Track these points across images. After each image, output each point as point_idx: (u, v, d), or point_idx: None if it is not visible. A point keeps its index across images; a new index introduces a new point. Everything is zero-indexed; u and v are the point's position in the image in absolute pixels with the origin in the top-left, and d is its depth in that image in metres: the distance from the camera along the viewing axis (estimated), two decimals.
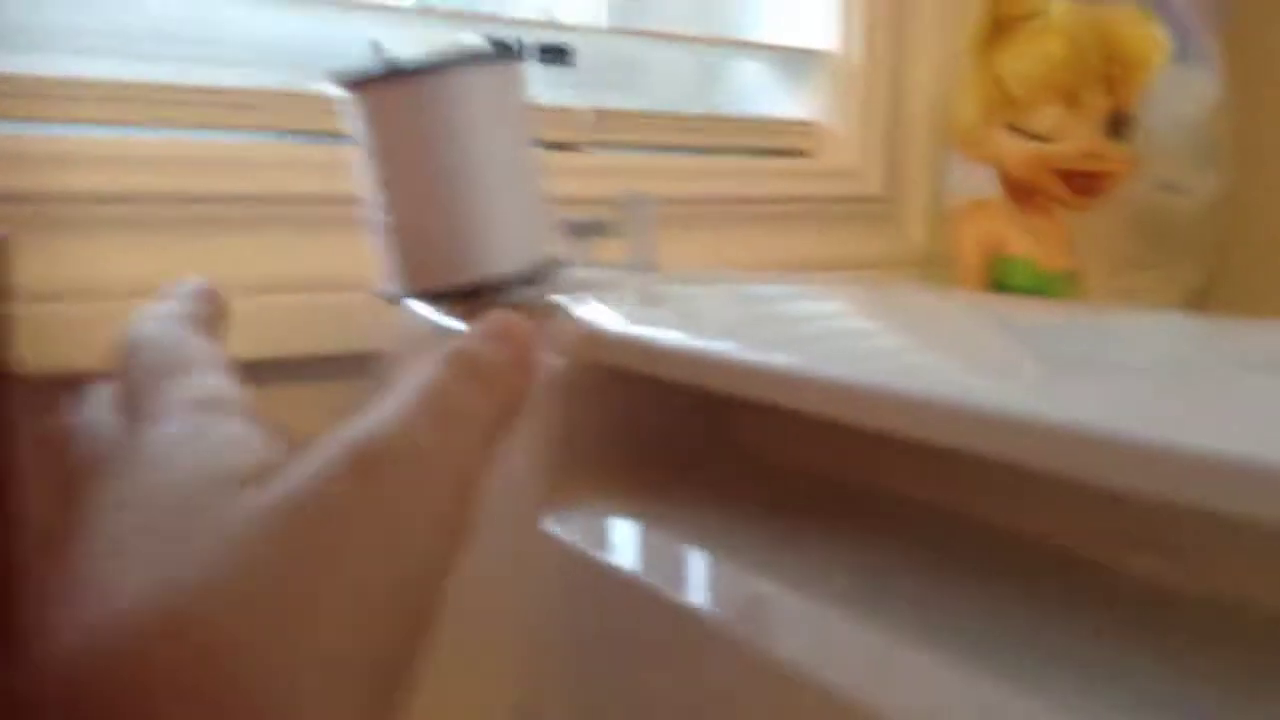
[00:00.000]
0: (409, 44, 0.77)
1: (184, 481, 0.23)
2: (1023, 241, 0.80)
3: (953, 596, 0.27)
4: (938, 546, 0.31)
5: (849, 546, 0.31)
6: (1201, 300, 0.82)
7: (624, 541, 0.33)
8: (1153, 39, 0.80)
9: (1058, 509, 0.30)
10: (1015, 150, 0.80)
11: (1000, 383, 0.27)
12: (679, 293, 0.42)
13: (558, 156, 0.71)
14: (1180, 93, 0.80)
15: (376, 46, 0.38)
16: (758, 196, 0.78)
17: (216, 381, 0.26)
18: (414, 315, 0.42)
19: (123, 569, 0.21)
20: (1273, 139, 0.90)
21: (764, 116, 0.85)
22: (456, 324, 0.39)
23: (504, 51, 0.38)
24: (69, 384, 0.32)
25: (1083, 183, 0.79)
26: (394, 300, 0.39)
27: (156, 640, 0.20)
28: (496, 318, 0.28)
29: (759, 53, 0.86)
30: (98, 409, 0.29)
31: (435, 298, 0.39)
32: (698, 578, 0.30)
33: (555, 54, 0.82)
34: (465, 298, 0.38)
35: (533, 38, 0.76)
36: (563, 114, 0.72)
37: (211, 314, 0.30)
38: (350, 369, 0.56)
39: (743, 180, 0.78)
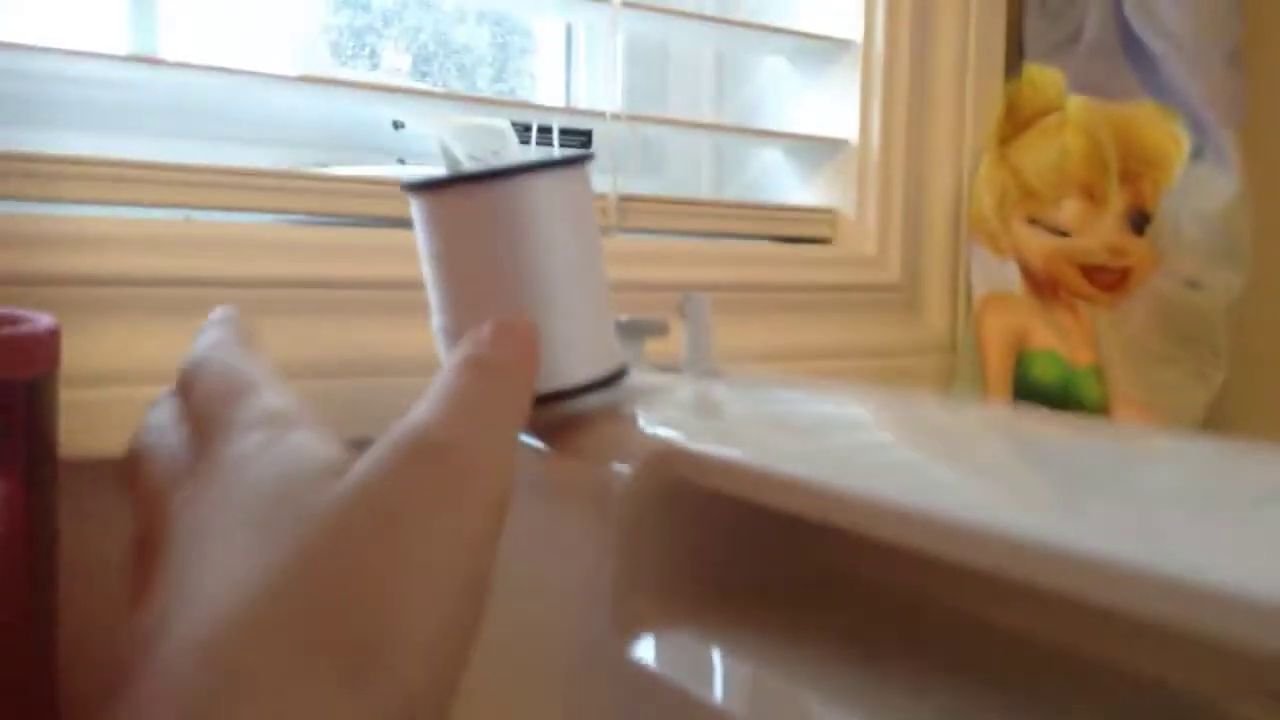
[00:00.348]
0: (428, 125, 0.77)
1: (268, 483, 0.27)
2: (1047, 335, 0.79)
3: None
4: (1029, 679, 0.29)
5: (928, 675, 0.30)
6: (1223, 396, 0.81)
7: (704, 668, 0.31)
8: (1172, 136, 0.80)
9: (1161, 649, 0.28)
10: (1036, 243, 0.80)
11: (1077, 520, 0.26)
12: (744, 399, 0.41)
13: None
14: (1200, 190, 0.80)
15: (446, 148, 0.37)
16: (777, 283, 0.77)
17: (278, 398, 0.31)
18: None
19: (231, 555, 0.26)
20: None
21: (785, 203, 0.85)
22: (530, 440, 0.38)
23: (576, 156, 0.37)
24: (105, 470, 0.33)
25: (1105, 278, 0.79)
26: None
27: (265, 606, 0.24)
28: (495, 322, 0.32)
29: (778, 140, 0.86)
30: (163, 429, 0.32)
31: None
32: (778, 708, 0.29)
33: (575, 138, 0.82)
34: (537, 408, 0.36)
35: (554, 122, 0.76)
36: None
37: (250, 332, 0.35)
38: None
39: (763, 266, 0.77)
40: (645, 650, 0.33)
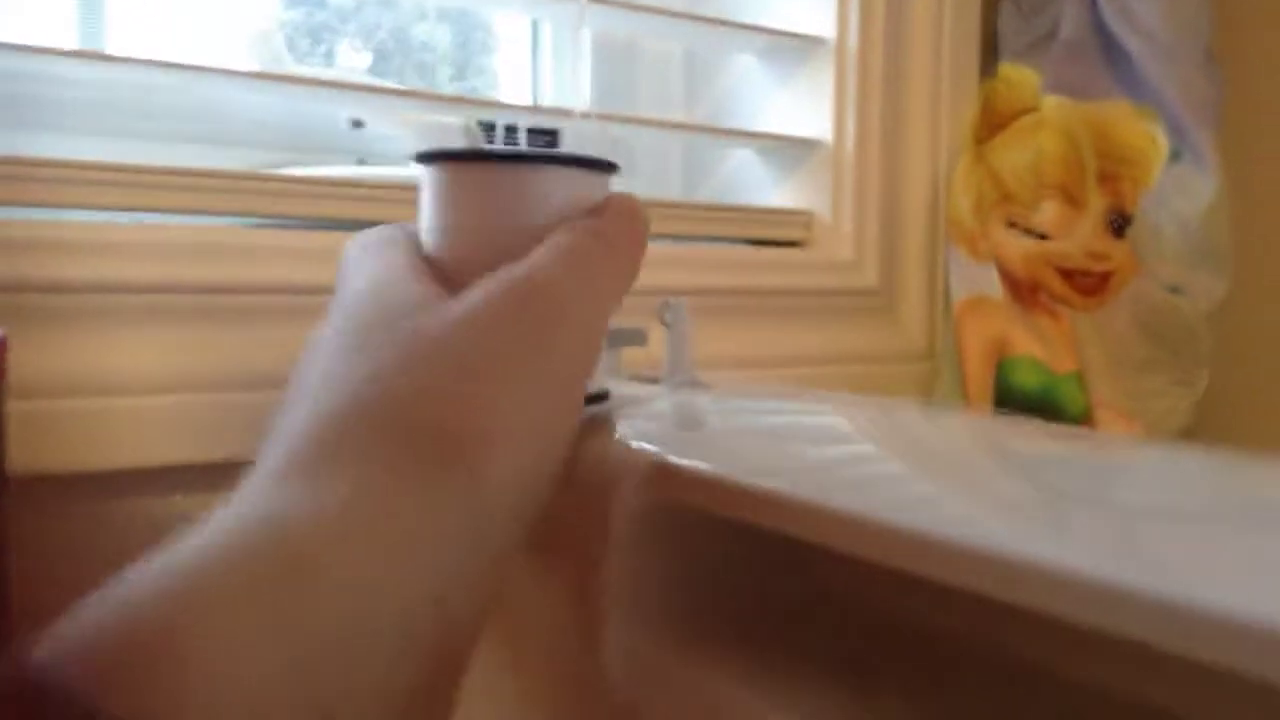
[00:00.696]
0: (393, 126, 0.74)
1: (374, 312, 0.30)
2: (1028, 341, 0.77)
3: None
4: (1026, 704, 0.28)
5: (924, 701, 0.29)
6: (1205, 401, 0.80)
7: (700, 705, 0.29)
8: (1149, 136, 0.79)
9: (1162, 676, 0.27)
10: (1015, 247, 0.78)
11: (1060, 538, 0.26)
12: (727, 412, 0.39)
13: None
14: (1179, 192, 0.79)
15: (469, 128, 0.36)
16: (751, 287, 0.75)
17: (404, 256, 0.33)
18: None
19: (334, 362, 0.28)
20: (1270, 241, 0.89)
21: (758, 205, 0.83)
22: None
23: (609, 162, 0.37)
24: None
25: (1086, 282, 0.77)
26: None
27: (355, 400, 0.27)
28: (620, 199, 0.35)
29: (750, 141, 0.84)
30: None
31: None
32: None
33: (542, 137, 0.79)
34: None
35: (520, 120, 0.74)
36: None
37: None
38: None
39: (736, 270, 0.75)
40: (636, 682, 0.31)
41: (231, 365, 0.52)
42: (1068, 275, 0.77)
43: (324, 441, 0.26)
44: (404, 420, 0.26)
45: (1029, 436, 0.41)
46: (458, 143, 0.36)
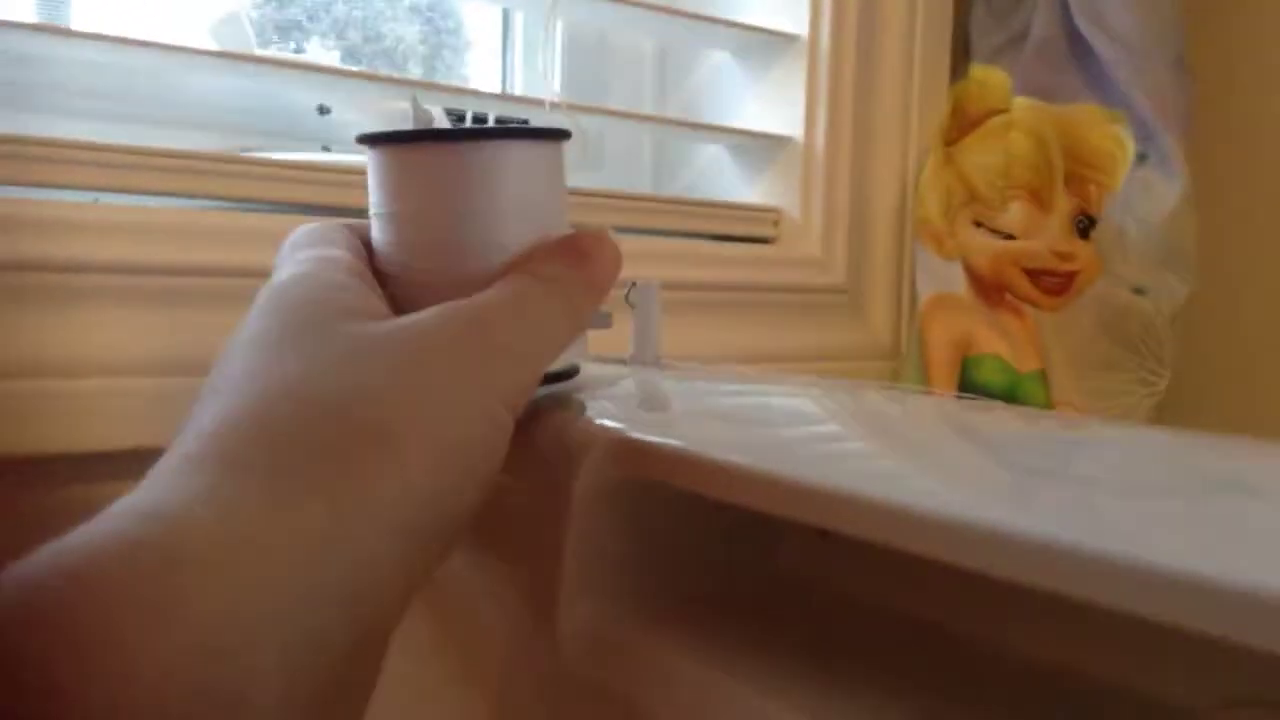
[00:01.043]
0: (359, 113, 0.74)
1: (304, 306, 0.29)
2: (992, 339, 0.78)
3: None
4: (995, 684, 0.28)
5: (888, 680, 0.28)
6: (1164, 405, 0.80)
7: (658, 677, 0.29)
8: (1116, 139, 0.79)
9: (1131, 653, 0.27)
10: (982, 246, 0.79)
11: (1025, 507, 0.26)
12: (692, 392, 0.39)
13: None
14: (1144, 195, 0.79)
15: (417, 103, 0.35)
16: (719, 283, 0.75)
17: (338, 252, 0.32)
18: None
19: (270, 360, 0.27)
20: (1236, 244, 0.90)
21: (728, 201, 0.83)
22: None
23: (557, 130, 0.35)
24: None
25: (1051, 282, 0.78)
26: None
27: (276, 399, 0.26)
28: (578, 238, 0.34)
29: (720, 136, 0.84)
30: None
31: None
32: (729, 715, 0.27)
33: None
34: None
35: (490, 111, 0.73)
36: None
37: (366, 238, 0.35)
38: None
39: (705, 265, 0.75)
40: (590, 654, 0.31)
41: (205, 348, 0.52)
42: (1033, 275, 0.78)
43: (242, 437, 0.25)
44: (327, 423, 0.26)
45: (992, 417, 0.41)
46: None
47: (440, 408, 0.27)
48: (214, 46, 0.67)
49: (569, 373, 0.36)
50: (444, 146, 0.33)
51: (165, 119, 0.67)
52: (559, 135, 0.35)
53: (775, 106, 0.83)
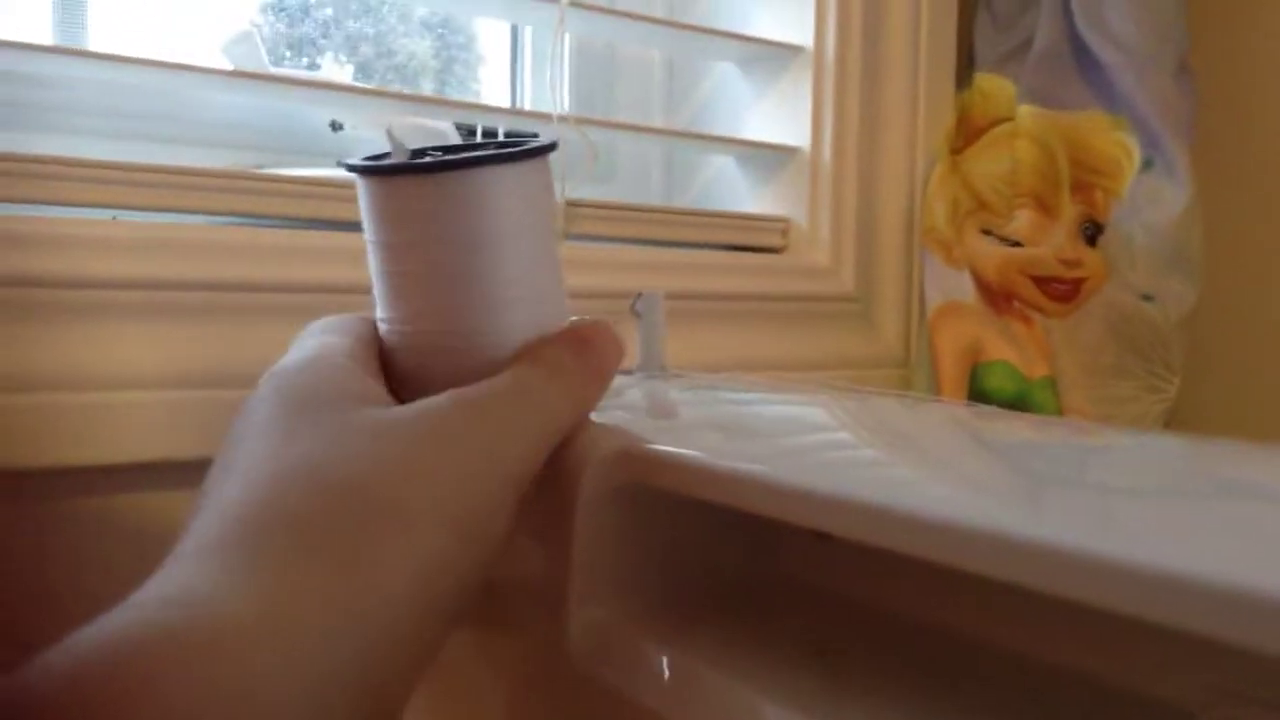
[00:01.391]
0: (369, 126, 0.75)
1: (310, 392, 0.30)
2: (1001, 347, 0.78)
3: None
4: (992, 684, 0.28)
5: (889, 680, 0.29)
6: (1174, 410, 0.80)
7: (663, 680, 0.30)
8: (1122, 146, 0.80)
9: (1127, 653, 0.27)
10: (990, 254, 0.79)
11: (1040, 516, 0.26)
12: (699, 400, 0.40)
13: None
14: (1150, 201, 0.80)
15: (392, 135, 0.34)
16: (729, 292, 0.75)
17: (347, 340, 0.34)
18: None
19: (280, 444, 0.28)
20: (1241, 250, 0.90)
21: (737, 212, 0.83)
22: None
23: (539, 146, 0.35)
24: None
25: (1058, 289, 0.78)
26: None
27: (309, 496, 0.26)
28: (579, 327, 0.34)
29: (729, 147, 0.85)
30: None
31: None
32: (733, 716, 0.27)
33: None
34: None
35: (499, 125, 0.74)
36: None
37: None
38: None
39: (714, 275, 0.75)
40: (603, 663, 0.31)
41: (221, 362, 0.53)
42: (1041, 282, 0.78)
43: (252, 521, 0.26)
44: (340, 505, 0.26)
45: (1005, 425, 0.41)
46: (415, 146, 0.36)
47: (450, 486, 0.28)
48: (227, 65, 0.69)
49: None
50: (429, 179, 0.33)
51: (180, 137, 0.68)
52: (540, 152, 0.35)
53: (782, 117, 0.83)
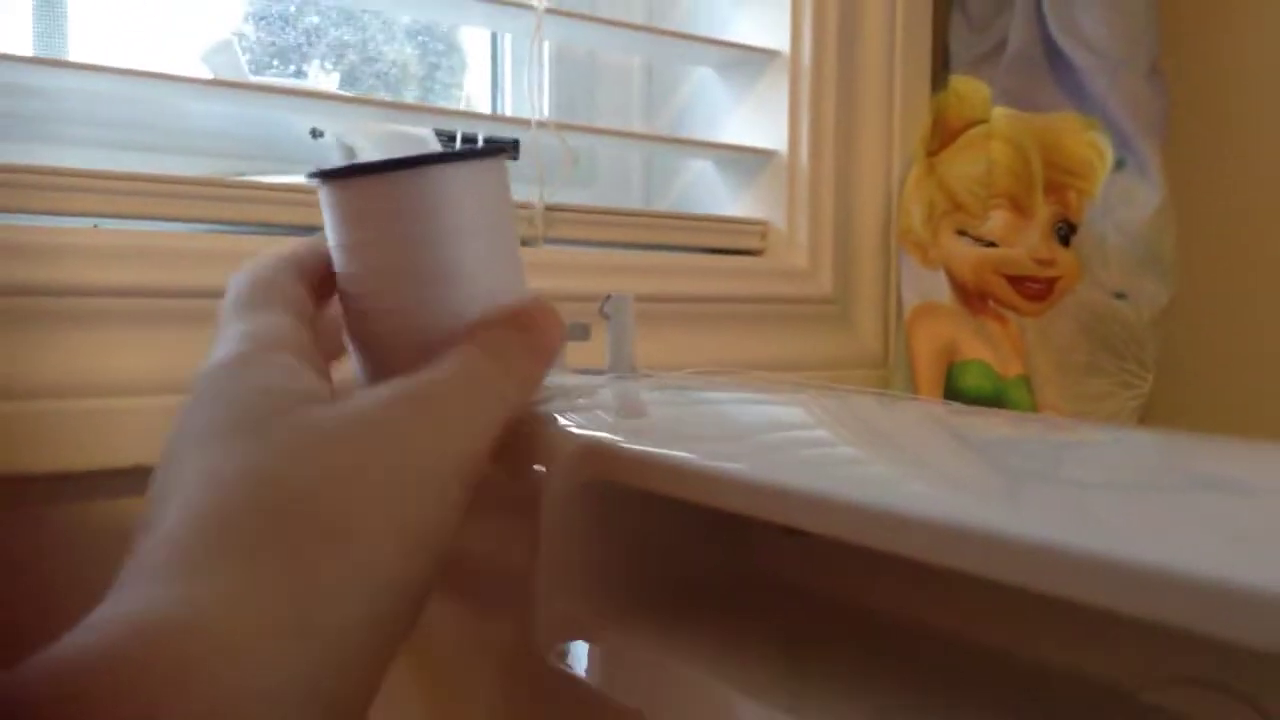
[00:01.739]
0: (351, 133, 0.75)
1: (249, 395, 0.29)
2: (977, 346, 0.79)
3: None
4: (964, 679, 0.29)
5: (871, 679, 0.29)
6: (1148, 407, 0.82)
7: (635, 674, 0.30)
8: (1095, 147, 0.81)
9: (1098, 642, 0.28)
10: (965, 255, 0.80)
11: (1018, 511, 0.26)
12: (668, 398, 0.40)
13: None
14: (1123, 201, 0.81)
15: (342, 142, 0.35)
16: (708, 295, 0.76)
17: (280, 320, 0.32)
18: None
19: (219, 456, 0.27)
20: (1214, 248, 0.91)
21: (715, 215, 0.84)
22: None
23: (493, 147, 0.35)
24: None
25: (1033, 288, 0.79)
26: None
27: (254, 511, 0.26)
28: (519, 307, 0.34)
29: (707, 151, 0.85)
30: None
31: None
32: (715, 716, 0.28)
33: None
34: None
35: (479, 130, 0.75)
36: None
37: (318, 266, 0.35)
38: None
39: (694, 277, 0.76)
40: (570, 654, 0.32)
41: (187, 366, 0.53)
42: (1015, 282, 0.79)
43: (195, 543, 0.26)
44: (283, 517, 0.26)
45: (981, 422, 0.42)
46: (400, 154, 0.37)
47: (393, 490, 0.28)
48: (206, 74, 0.69)
49: None
50: (384, 178, 0.34)
51: (161, 145, 0.69)
52: (490, 153, 0.35)
53: (760, 121, 0.84)
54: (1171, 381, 0.84)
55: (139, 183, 0.56)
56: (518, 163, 0.75)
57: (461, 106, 0.87)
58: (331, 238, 0.35)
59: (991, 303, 0.80)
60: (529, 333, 0.33)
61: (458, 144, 0.74)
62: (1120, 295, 0.80)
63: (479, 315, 0.34)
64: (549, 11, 0.72)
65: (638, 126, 0.92)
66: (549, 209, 0.71)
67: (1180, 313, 0.83)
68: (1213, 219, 0.91)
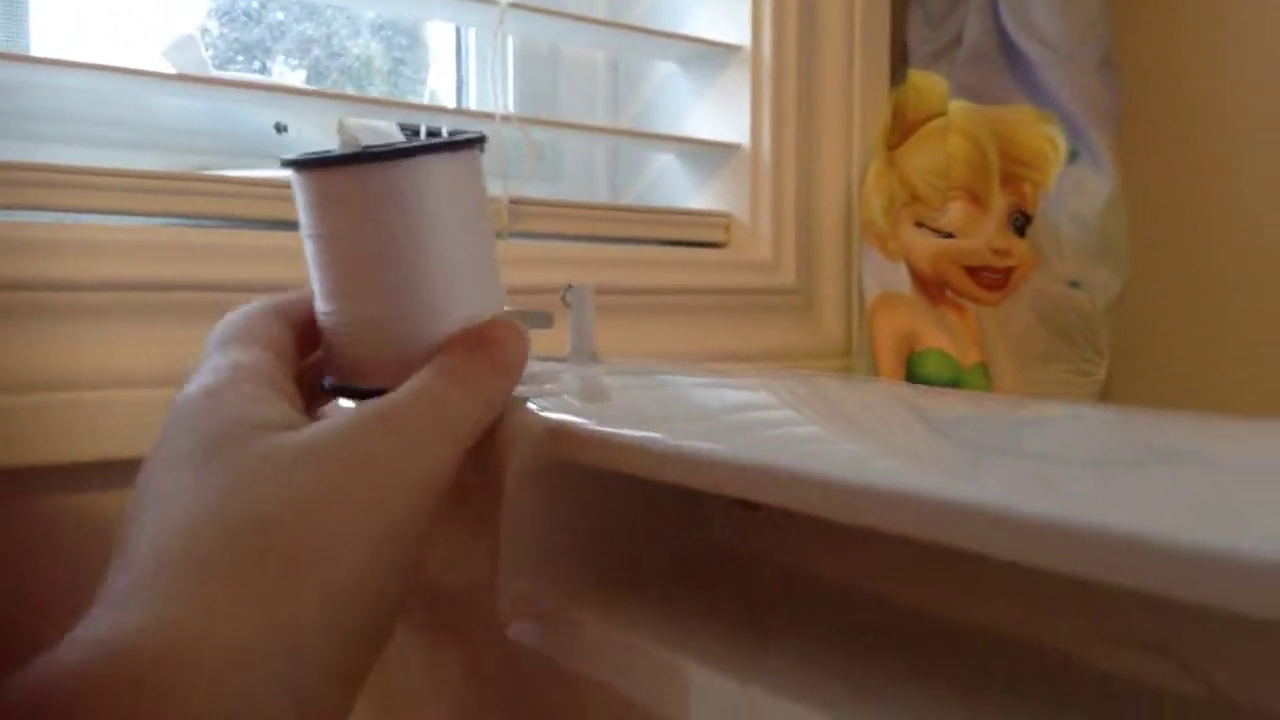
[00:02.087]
0: (316, 130, 0.75)
1: (217, 425, 0.30)
2: (936, 335, 0.80)
3: (930, 700, 0.26)
4: (919, 648, 0.30)
5: (826, 649, 0.30)
6: (1105, 393, 0.83)
7: (593, 647, 0.31)
8: (1049, 139, 0.83)
9: (1044, 608, 0.29)
10: (923, 246, 0.82)
11: (976, 481, 0.27)
12: (630, 382, 0.41)
13: None
14: (1077, 191, 0.82)
15: (344, 127, 0.35)
16: (673, 287, 0.77)
17: (255, 354, 0.33)
18: None
19: (191, 481, 0.28)
20: (1164, 237, 0.93)
21: (680, 208, 0.85)
22: None
23: (468, 138, 0.36)
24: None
25: (989, 278, 0.81)
26: (339, 395, 0.37)
27: (221, 541, 0.27)
28: (483, 327, 0.34)
29: (671, 145, 0.86)
30: None
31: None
32: (672, 685, 0.28)
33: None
34: None
35: (443, 125, 0.75)
36: None
37: (301, 313, 0.36)
38: None
39: (658, 270, 0.77)
40: (532, 633, 0.33)
41: (157, 360, 0.54)
42: (973, 272, 0.81)
43: (170, 561, 0.26)
44: (253, 541, 0.27)
45: (942, 401, 0.43)
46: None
47: (365, 509, 0.28)
48: (169, 69, 0.69)
49: None
50: (358, 169, 0.34)
51: (125, 141, 0.69)
52: (465, 145, 0.36)
53: (723, 115, 0.85)
54: (1126, 368, 0.86)
55: (106, 177, 0.56)
56: (482, 156, 0.75)
57: (426, 101, 0.87)
58: (305, 227, 0.35)
59: (950, 293, 0.82)
60: (493, 352, 0.34)
61: (422, 138, 0.75)
62: (1075, 284, 0.81)
63: (448, 302, 0.34)
64: (512, 6, 0.72)
65: (602, 121, 0.93)
66: (514, 203, 0.72)
67: (1133, 300, 0.85)
68: (1164, 209, 0.93)
